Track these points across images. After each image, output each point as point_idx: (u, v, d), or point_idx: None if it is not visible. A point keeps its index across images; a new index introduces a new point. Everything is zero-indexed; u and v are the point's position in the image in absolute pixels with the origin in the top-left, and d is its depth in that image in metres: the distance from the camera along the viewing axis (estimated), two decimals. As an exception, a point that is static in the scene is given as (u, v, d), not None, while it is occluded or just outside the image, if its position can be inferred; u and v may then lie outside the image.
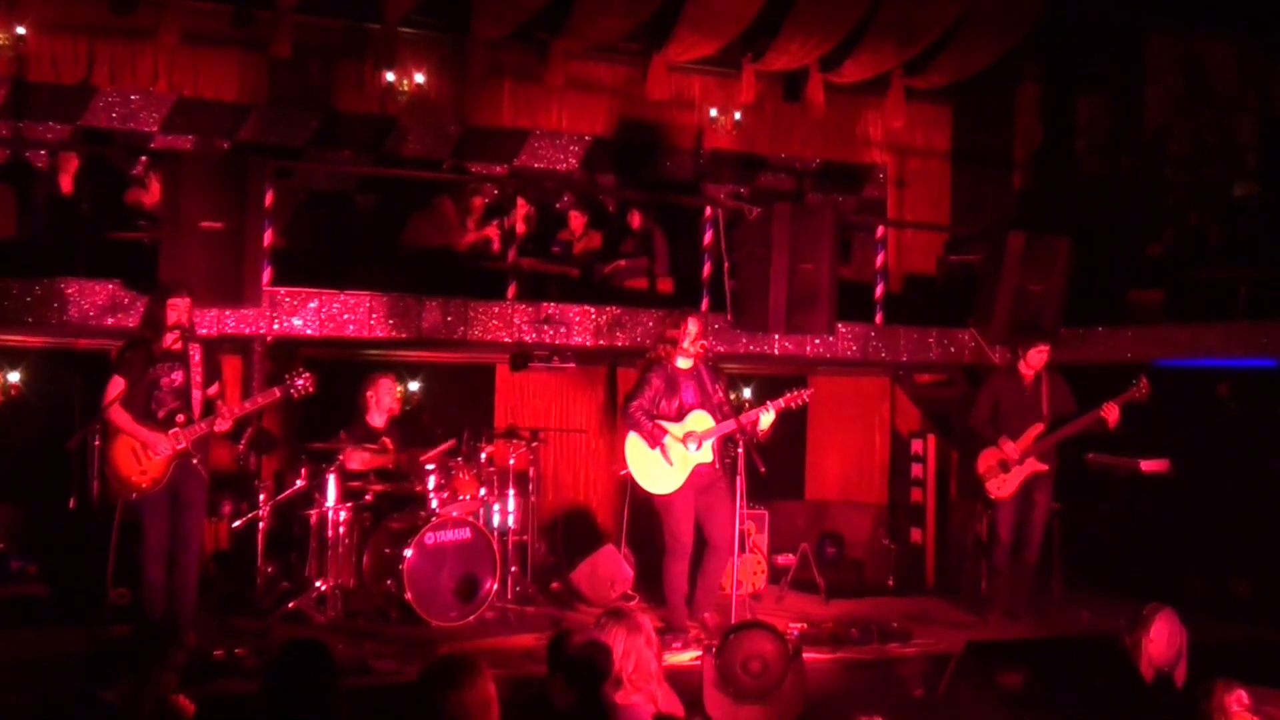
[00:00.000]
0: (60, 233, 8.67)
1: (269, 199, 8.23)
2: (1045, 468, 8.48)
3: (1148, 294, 10.00)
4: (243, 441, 8.31)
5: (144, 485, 6.80)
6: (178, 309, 6.86)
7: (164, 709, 4.43)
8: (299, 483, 8.25)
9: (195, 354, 6.94)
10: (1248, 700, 5.98)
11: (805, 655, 6.54)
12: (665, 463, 7.55)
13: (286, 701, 4.06)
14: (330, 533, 7.98)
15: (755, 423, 7.44)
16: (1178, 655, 6.45)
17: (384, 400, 8.47)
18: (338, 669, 4.22)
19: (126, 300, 7.96)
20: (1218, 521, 9.44)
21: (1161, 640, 6.40)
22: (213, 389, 7.00)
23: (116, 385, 6.80)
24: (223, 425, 6.95)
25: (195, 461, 6.92)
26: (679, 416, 7.60)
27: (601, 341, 9.15)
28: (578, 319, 9.08)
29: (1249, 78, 10.85)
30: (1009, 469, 8.45)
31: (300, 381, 7.14)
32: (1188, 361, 9.57)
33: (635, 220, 10.49)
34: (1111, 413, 8.27)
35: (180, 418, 6.85)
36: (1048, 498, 8.58)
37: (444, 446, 8.31)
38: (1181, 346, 9.48)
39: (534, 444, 9.07)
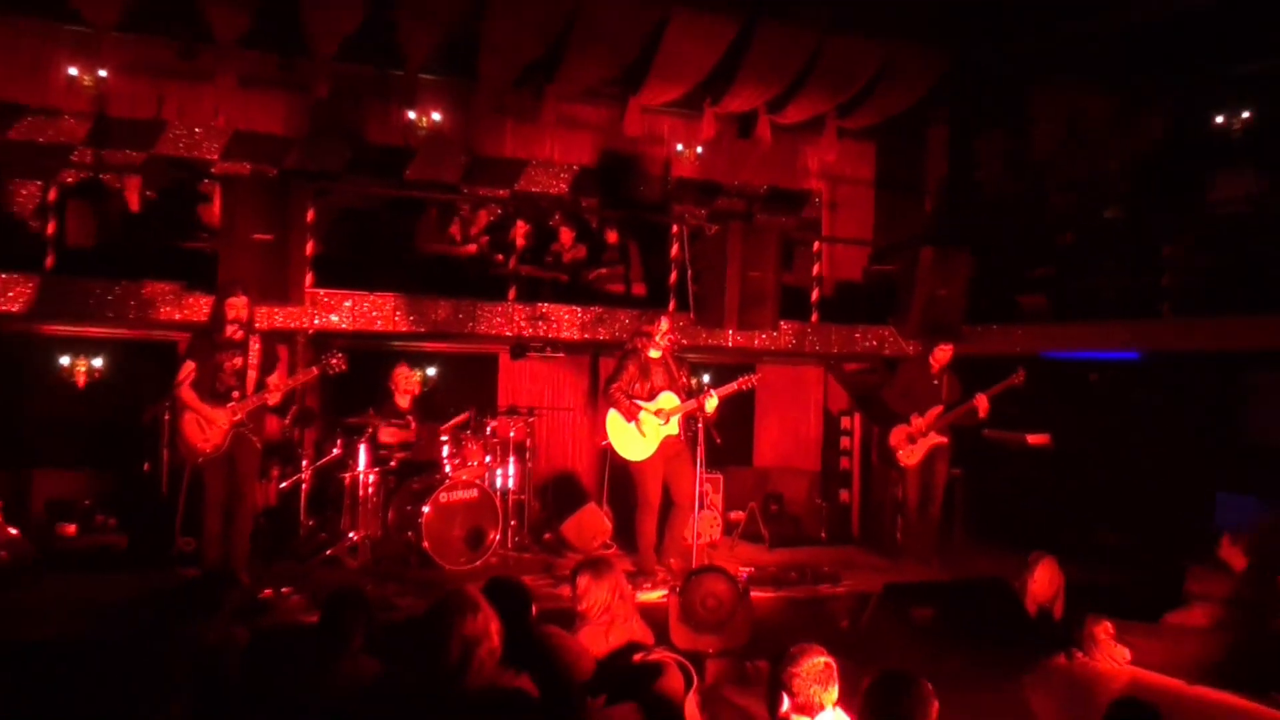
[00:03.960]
0: (134, 242, 8.59)
1: (310, 215, 8.21)
2: (945, 440, 8.55)
3: (1034, 298, 10.06)
4: (288, 416, 8.32)
5: (207, 450, 6.79)
6: (235, 306, 6.85)
7: (223, 639, 4.43)
8: (335, 451, 8.24)
9: (254, 343, 6.94)
10: (1112, 630, 6.08)
11: (753, 594, 6.56)
12: (639, 435, 7.58)
13: (335, 634, 4.08)
14: (361, 493, 7.98)
15: (703, 404, 7.49)
16: (1056, 594, 6.53)
17: (400, 384, 8.46)
18: (371, 609, 4.23)
19: (191, 300, 7.91)
20: (1090, 484, 9.53)
21: (1043, 582, 6.48)
22: (271, 376, 6.97)
23: (187, 369, 6.79)
24: (273, 399, 6.95)
25: (249, 431, 6.89)
26: (650, 397, 7.63)
27: (586, 335, 9.16)
28: (566, 317, 9.09)
29: (1119, 119, 10.87)
30: (915, 441, 8.50)
31: (334, 360, 7.11)
32: (1067, 354, 9.64)
33: (614, 235, 10.47)
34: (981, 403, 8.31)
35: (235, 394, 6.83)
36: (947, 465, 8.64)
37: (458, 420, 8.31)
38: (1062, 341, 9.55)
39: (530, 420, 9.09)
